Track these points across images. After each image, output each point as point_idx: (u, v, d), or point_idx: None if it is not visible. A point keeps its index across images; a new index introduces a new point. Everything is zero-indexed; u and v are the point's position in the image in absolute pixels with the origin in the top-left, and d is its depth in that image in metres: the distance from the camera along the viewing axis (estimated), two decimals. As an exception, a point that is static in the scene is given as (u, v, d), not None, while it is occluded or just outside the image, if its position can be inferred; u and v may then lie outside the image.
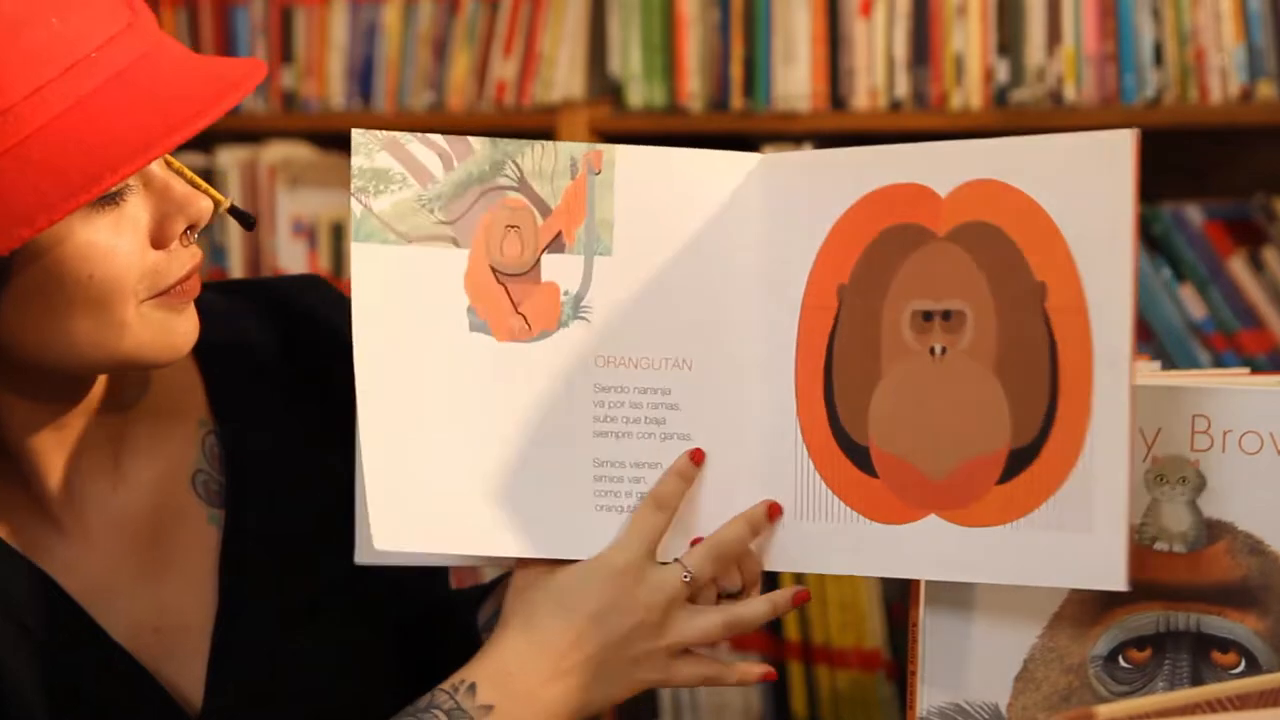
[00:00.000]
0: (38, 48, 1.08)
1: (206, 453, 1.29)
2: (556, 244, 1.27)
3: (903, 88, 2.54)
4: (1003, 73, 2.49)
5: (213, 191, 1.21)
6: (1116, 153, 1.16)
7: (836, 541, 1.25)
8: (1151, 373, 1.32)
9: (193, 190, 1.17)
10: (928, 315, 1.22)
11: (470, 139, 1.26)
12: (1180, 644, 1.24)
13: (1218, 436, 1.23)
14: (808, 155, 1.30)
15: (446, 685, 1.22)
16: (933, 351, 1.22)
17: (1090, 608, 1.24)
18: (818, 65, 2.59)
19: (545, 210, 1.26)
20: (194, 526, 1.28)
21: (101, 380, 1.22)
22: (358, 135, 1.24)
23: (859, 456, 1.24)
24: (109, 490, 1.25)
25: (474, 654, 1.26)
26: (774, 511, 1.25)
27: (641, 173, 1.27)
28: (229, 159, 2.93)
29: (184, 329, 1.18)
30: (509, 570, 1.31)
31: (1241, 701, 0.99)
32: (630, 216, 1.27)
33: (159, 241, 1.16)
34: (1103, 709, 0.95)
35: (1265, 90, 2.37)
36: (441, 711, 1.21)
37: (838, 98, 2.58)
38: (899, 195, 1.24)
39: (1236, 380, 1.27)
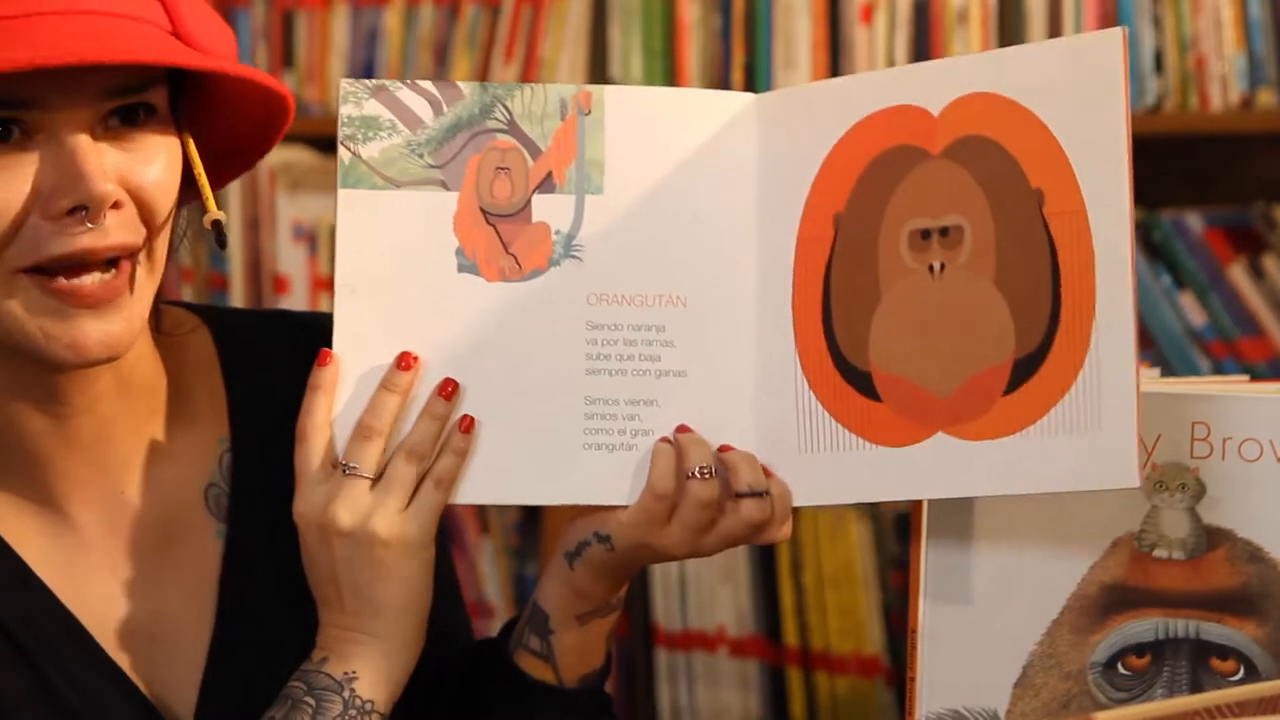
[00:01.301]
0: None
1: (222, 468, 1.29)
2: (547, 184, 1.27)
3: (903, 94, 2.54)
4: (1003, 79, 2.49)
5: (210, 200, 1.20)
6: (1106, 52, 1.18)
7: (845, 470, 1.24)
8: (1151, 380, 1.32)
9: (94, 172, 1.13)
10: (925, 233, 1.22)
11: (460, 83, 1.27)
12: (1179, 651, 1.24)
13: (1217, 444, 1.23)
14: (803, 89, 1.31)
15: (311, 669, 1.23)
16: (931, 269, 1.22)
17: (1089, 614, 1.24)
18: (818, 71, 2.59)
19: (535, 152, 1.27)
20: (201, 539, 1.27)
21: (104, 376, 1.22)
22: (346, 84, 1.25)
23: (861, 382, 1.24)
24: (117, 490, 1.25)
25: (507, 680, 1.29)
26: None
27: (632, 112, 1.27)
28: (229, 163, 2.92)
29: (70, 336, 1.15)
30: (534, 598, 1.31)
31: (1240, 709, 1.00)
32: (621, 155, 1.27)
33: (44, 210, 1.13)
34: (1101, 715, 0.95)
35: (1265, 98, 2.37)
36: (311, 688, 1.22)
37: (838, 104, 2.58)
38: (891, 118, 1.24)
39: (1236, 387, 1.27)
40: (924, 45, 2.53)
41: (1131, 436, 1.15)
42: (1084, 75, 1.18)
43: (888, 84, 1.25)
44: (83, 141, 1.13)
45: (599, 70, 2.73)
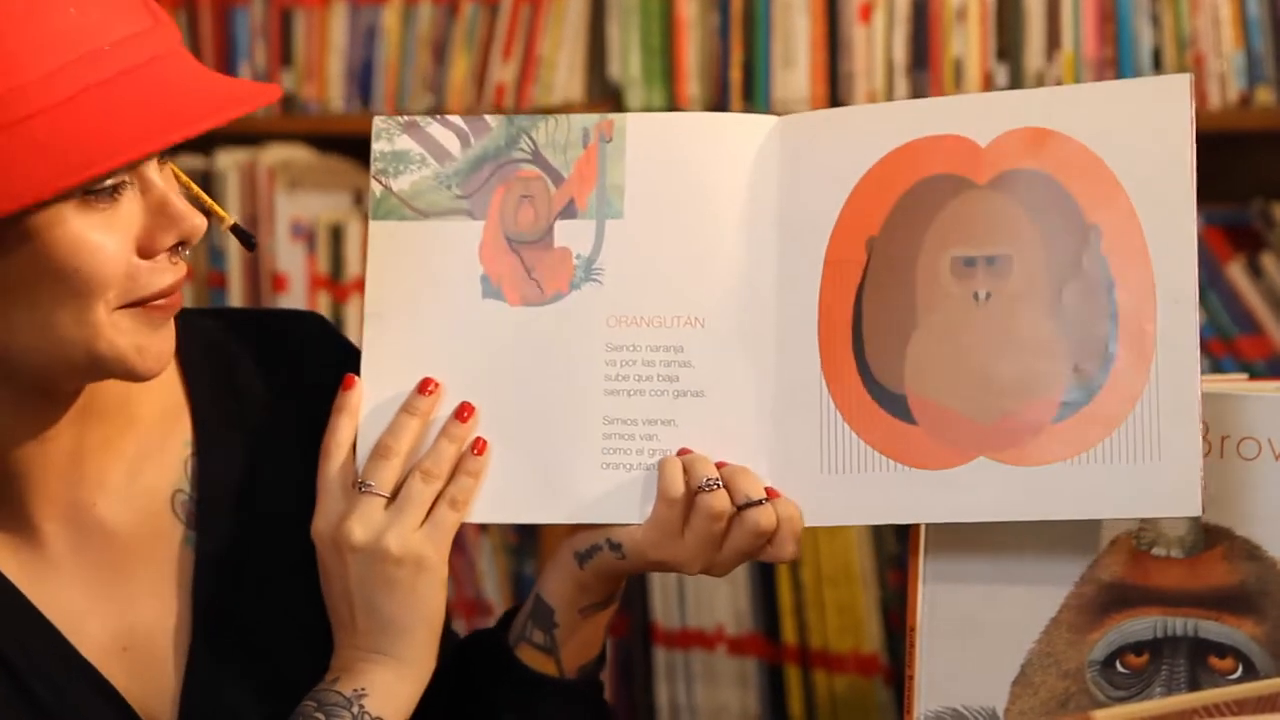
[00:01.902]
0: (53, 33, 1.10)
1: (189, 474, 1.29)
2: (569, 210, 1.29)
3: (902, 92, 2.54)
4: (1002, 77, 2.49)
5: (217, 208, 1.22)
6: (1174, 95, 1.20)
7: (872, 492, 1.24)
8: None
9: (189, 207, 1.17)
10: (970, 261, 1.23)
11: (487, 117, 1.31)
12: (1178, 649, 1.24)
13: (1215, 442, 1.23)
14: (829, 113, 1.33)
15: (323, 688, 1.23)
16: (976, 297, 1.23)
17: (1088, 613, 1.25)
18: (817, 69, 2.59)
19: (558, 180, 1.30)
20: (170, 546, 1.27)
21: (85, 392, 1.22)
22: (379, 121, 1.30)
23: (894, 405, 1.24)
24: (89, 503, 1.25)
25: (510, 674, 1.30)
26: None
27: (652, 137, 1.29)
28: (228, 161, 2.92)
29: (157, 347, 1.18)
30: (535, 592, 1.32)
31: (1239, 707, 1.00)
32: (641, 179, 1.29)
33: (146, 251, 1.16)
34: (1100, 714, 0.95)
35: (1264, 96, 2.37)
36: (321, 705, 1.22)
37: (837, 102, 2.57)
38: (933, 146, 1.25)
39: (1234, 386, 1.27)
40: (923, 44, 2.53)
41: (1195, 467, 1.17)
42: (1148, 117, 1.21)
43: (930, 112, 1.26)
44: (164, 181, 1.16)
45: (597, 68, 2.73)
